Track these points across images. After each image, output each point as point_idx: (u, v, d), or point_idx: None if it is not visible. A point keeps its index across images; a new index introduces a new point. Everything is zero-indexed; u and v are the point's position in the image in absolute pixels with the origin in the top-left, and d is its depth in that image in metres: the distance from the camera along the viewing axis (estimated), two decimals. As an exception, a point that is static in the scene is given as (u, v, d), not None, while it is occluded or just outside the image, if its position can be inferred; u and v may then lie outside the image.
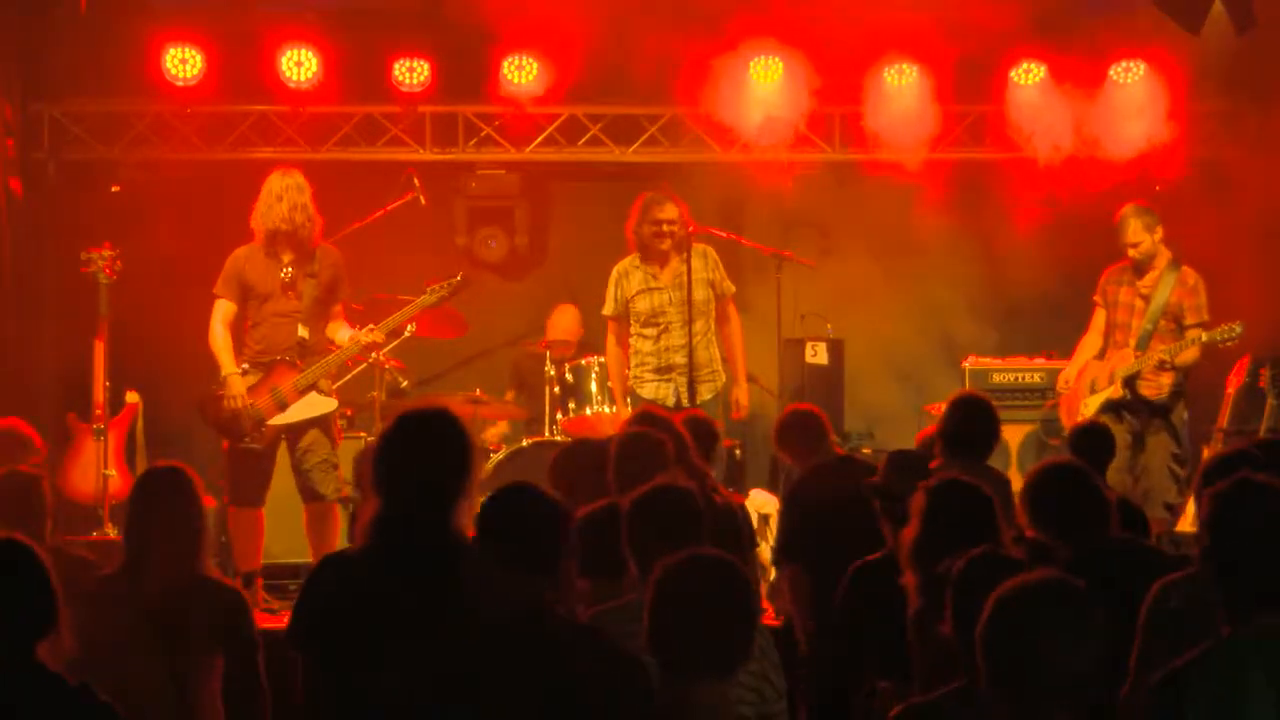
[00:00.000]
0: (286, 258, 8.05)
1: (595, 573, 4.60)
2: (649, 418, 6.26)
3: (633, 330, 8.94)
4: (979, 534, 4.25)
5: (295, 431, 8.09)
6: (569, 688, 3.57)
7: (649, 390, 8.82)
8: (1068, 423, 9.13)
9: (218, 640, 4.92)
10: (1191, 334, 8.70)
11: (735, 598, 3.49)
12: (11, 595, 3.66)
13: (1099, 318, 9.08)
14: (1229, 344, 8.73)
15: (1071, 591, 3.23)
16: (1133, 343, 8.83)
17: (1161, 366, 8.67)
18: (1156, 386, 8.78)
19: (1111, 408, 8.76)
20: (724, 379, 8.97)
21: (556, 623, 3.68)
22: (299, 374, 8.04)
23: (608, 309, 9.00)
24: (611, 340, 9.06)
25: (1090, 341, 9.09)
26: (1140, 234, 8.77)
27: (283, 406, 8.05)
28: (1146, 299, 8.84)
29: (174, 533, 4.93)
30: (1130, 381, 8.78)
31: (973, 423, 6.28)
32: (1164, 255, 8.85)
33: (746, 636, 3.49)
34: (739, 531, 6.00)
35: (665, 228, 8.74)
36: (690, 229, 8.76)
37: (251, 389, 8.02)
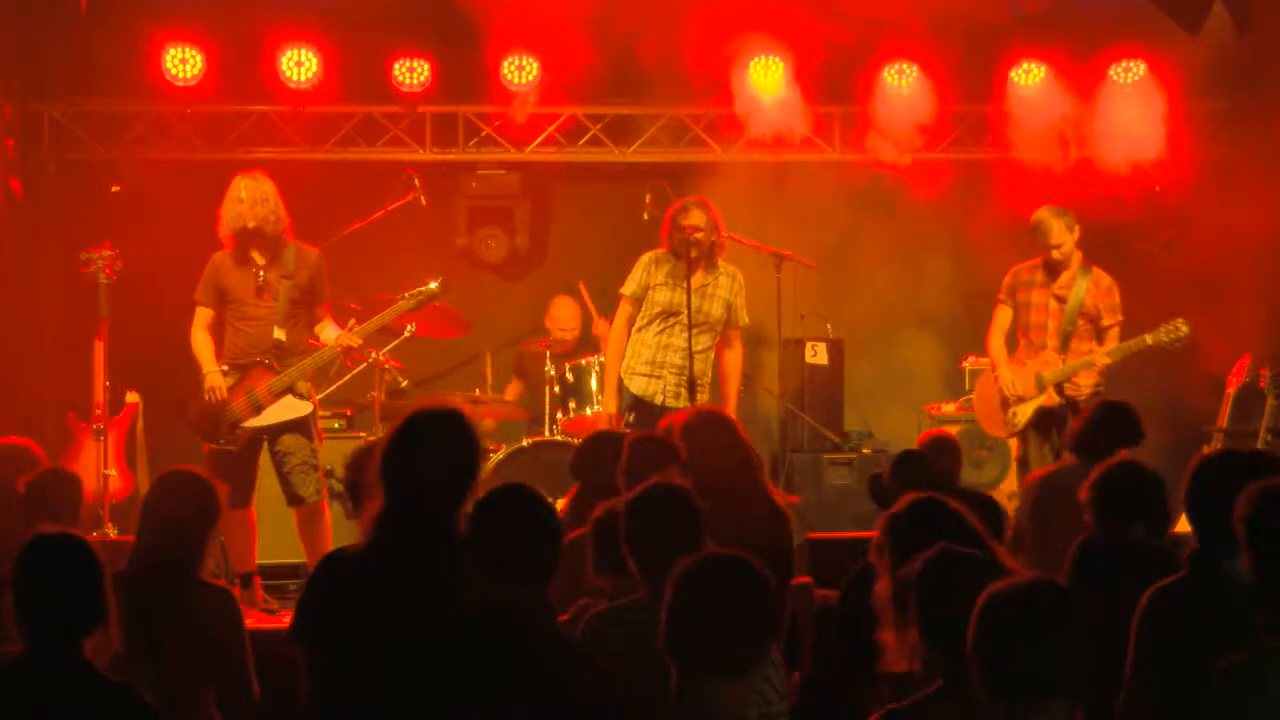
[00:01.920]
0: (259, 260, 8.03)
1: (613, 570, 4.61)
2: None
3: (641, 322, 8.77)
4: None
5: (272, 434, 8.07)
6: (548, 697, 3.57)
7: (639, 384, 8.67)
8: (992, 431, 9.09)
9: (205, 644, 4.89)
10: (1111, 337, 8.71)
11: (753, 600, 3.48)
12: (63, 590, 3.67)
13: (1004, 318, 8.98)
14: (1176, 345, 8.62)
15: (1058, 594, 3.23)
16: (1052, 344, 8.78)
17: (1102, 369, 8.64)
18: (1076, 386, 8.72)
19: (1046, 415, 8.69)
20: (708, 396, 8.84)
21: (534, 631, 3.67)
22: (275, 376, 8.02)
23: (627, 288, 8.73)
24: (620, 320, 8.77)
25: (1000, 343, 9.00)
26: (1063, 234, 8.69)
27: (257, 409, 8.03)
28: (1061, 300, 8.79)
29: (171, 537, 4.93)
30: (1061, 387, 8.73)
31: (1110, 428, 6.39)
32: (1076, 256, 8.78)
33: (763, 639, 3.49)
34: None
35: (692, 235, 8.54)
36: (721, 236, 8.69)
37: (229, 391, 8.03)
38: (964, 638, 3.48)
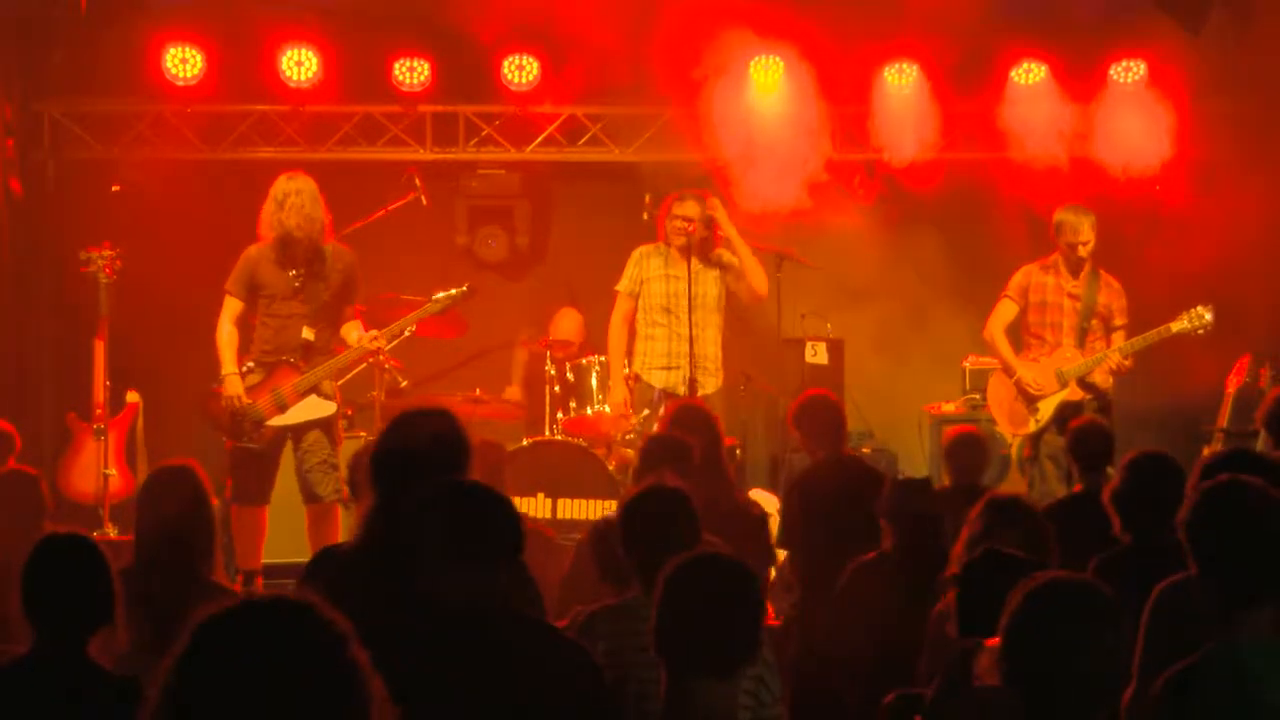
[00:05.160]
0: (298, 258, 8.04)
1: (616, 579, 4.63)
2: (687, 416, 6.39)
3: (645, 317, 8.99)
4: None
5: (297, 433, 8.10)
6: (523, 687, 3.56)
7: (660, 379, 8.90)
8: (1013, 429, 9.06)
9: None
10: (1120, 338, 8.80)
11: (743, 599, 3.48)
12: (70, 589, 3.72)
13: (1006, 312, 9.02)
14: (1200, 333, 8.70)
15: (1097, 595, 3.16)
16: (1068, 341, 8.83)
17: (1119, 368, 8.71)
18: (1104, 381, 8.83)
19: (1069, 410, 8.68)
20: (722, 380, 9.02)
21: (509, 620, 3.66)
22: (300, 376, 8.05)
23: (622, 285, 9.09)
24: (618, 316, 9.08)
25: (1004, 337, 9.04)
26: (1090, 233, 8.77)
27: (282, 408, 8.06)
28: (1075, 298, 8.84)
29: (181, 531, 4.91)
30: (1085, 382, 8.80)
31: None
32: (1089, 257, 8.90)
33: (753, 638, 3.49)
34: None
35: (680, 224, 8.83)
36: (716, 232, 8.86)
37: (253, 389, 8.03)
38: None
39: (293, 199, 7.96)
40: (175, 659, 2.21)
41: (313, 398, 8.09)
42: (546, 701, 3.56)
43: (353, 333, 8.23)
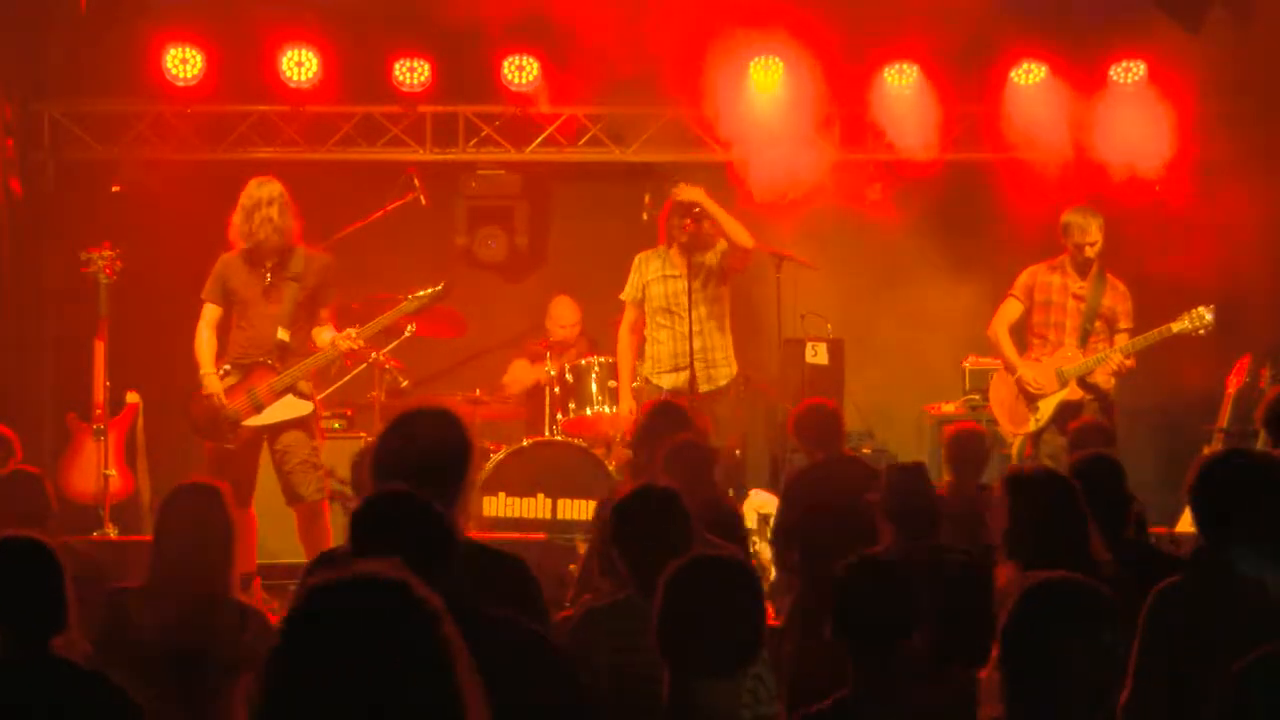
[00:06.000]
0: (268, 262, 8.08)
1: (614, 574, 4.63)
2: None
3: (650, 320, 9.05)
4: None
5: (273, 433, 8.12)
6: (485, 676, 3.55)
7: (669, 380, 8.92)
8: (1014, 428, 9.05)
9: (242, 665, 4.78)
10: (1122, 340, 8.79)
11: (743, 599, 3.49)
12: (28, 591, 3.70)
13: (1011, 311, 9.02)
14: (1200, 333, 8.70)
15: (1095, 595, 3.17)
16: (1071, 341, 8.84)
17: (1121, 368, 8.70)
18: (1105, 382, 8.81)
19: (1069, 410, 8.70)
20: (736, 368, 9.05)
21: (468, 616, 3.65)
22: (276, 376, 8.07)
23: (625, 294, 9.18)
24: (625, 326, 9.20)
25: (1007, 335, 9.03)
26: (1098, 234, 8.77)
27: (258, 408, 8.08)
28: (1080, 298, 8.85)
29: (206, 551, 4.86)
30: (1085, 382, 8.80)
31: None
32: (1096, 259, 8.90)
33: (754, 638, 3.50)
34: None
35: (685, 223, 8.88)
36: (709, 227, 8.87)
37: (229, 390, 8.07)
38: (891, 642, 3.58)
39: (263, 210, 7.99)
40: (285, 622, 2.34)
41: (289, 397, 8.11)
42: (499, 699, 3.55)
43: (323, 334, 8.24)
